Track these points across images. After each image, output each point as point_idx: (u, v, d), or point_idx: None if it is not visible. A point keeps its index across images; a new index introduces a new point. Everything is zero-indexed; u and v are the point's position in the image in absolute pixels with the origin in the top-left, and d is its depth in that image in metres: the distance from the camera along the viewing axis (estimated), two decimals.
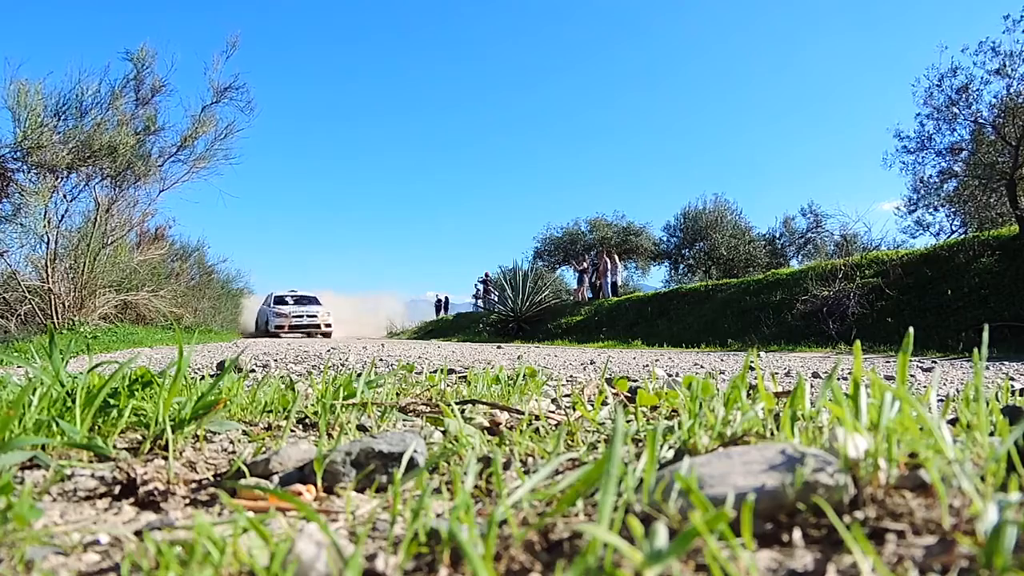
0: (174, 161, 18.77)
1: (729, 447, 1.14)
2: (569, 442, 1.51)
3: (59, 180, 17.49)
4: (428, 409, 2.15)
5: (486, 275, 33.17)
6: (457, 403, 1.96)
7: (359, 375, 2.27)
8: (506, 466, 1.32)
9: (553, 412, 2.04)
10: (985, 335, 1.11)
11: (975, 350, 1.05)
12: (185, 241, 28.49)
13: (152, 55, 17.86)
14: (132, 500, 1.13)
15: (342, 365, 6.47)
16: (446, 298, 41.29)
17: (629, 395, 2.30)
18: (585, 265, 30.46)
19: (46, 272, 17.77)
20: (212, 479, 1.26)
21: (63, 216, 18.17)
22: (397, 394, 2.44)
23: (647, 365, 7.40)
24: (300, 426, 1.91)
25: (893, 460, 0.94)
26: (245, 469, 1.24)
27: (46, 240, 17.87)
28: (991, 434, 1.05)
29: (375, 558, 0.79)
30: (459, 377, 3.64)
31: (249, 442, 1.60)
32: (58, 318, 17.64)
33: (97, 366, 1.63)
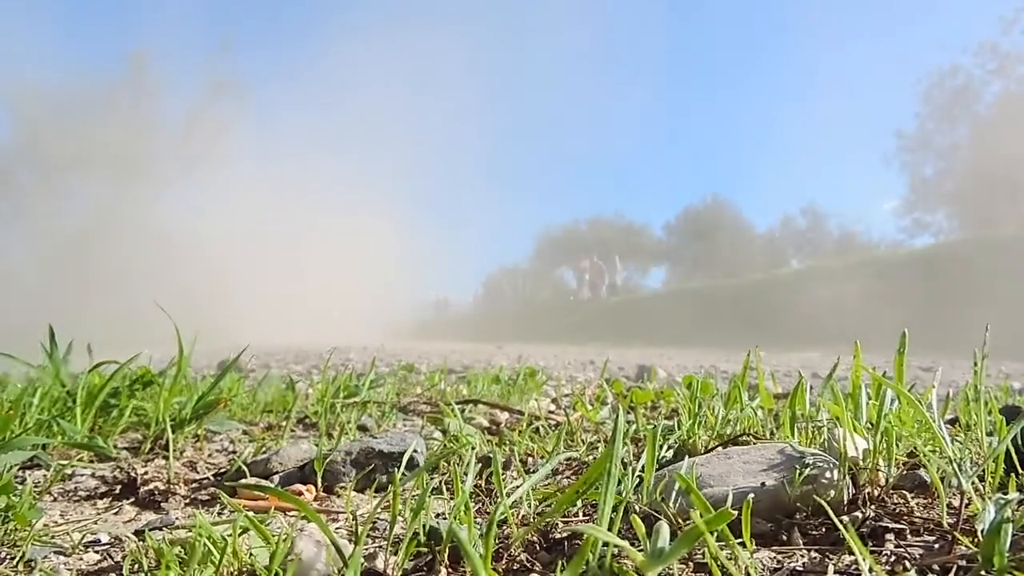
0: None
1: (729, 447, 1.14)
2: (569, 442, 1.51)
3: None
4: (428, 409, 2.15)
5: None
6: (457, 403, 1.96)
7: (360, 374, 2.28)
8: (506, 466, 1.32)
9: (553, 412, 2.05)
10: (985, 335, 1.11)
11: (975, 350, 1.05)
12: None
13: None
14: (133, 500, 1.13)
15: (343, 365, 6.47)
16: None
17: (628, 395, 2.30)
18: (585, 265, 30.34)
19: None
20: (213, 479, 1.26)
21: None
22: (397, 394, 2.45)
23: (648, 365, 7.40)
24: (300, 426, 1.91)
25: (892, 460, 0.94)
26: (245, 469, 1.24)
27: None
28: (990, 433, 1.05)
29: (375, 557, 0.79)
30: (459, 377, 3.64)
31: (249, 442, 1.61)
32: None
33: (98, 366, 1.63)
